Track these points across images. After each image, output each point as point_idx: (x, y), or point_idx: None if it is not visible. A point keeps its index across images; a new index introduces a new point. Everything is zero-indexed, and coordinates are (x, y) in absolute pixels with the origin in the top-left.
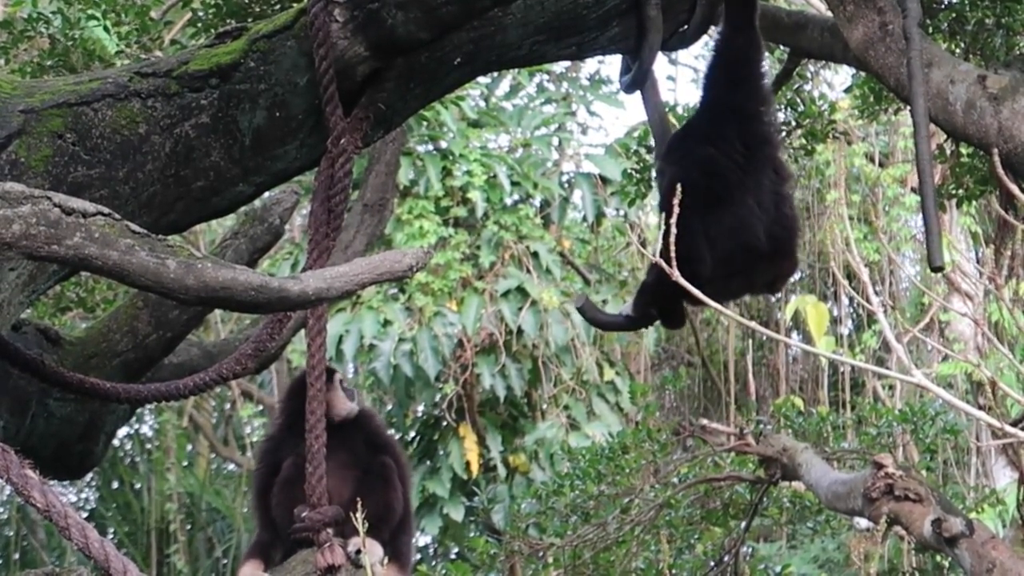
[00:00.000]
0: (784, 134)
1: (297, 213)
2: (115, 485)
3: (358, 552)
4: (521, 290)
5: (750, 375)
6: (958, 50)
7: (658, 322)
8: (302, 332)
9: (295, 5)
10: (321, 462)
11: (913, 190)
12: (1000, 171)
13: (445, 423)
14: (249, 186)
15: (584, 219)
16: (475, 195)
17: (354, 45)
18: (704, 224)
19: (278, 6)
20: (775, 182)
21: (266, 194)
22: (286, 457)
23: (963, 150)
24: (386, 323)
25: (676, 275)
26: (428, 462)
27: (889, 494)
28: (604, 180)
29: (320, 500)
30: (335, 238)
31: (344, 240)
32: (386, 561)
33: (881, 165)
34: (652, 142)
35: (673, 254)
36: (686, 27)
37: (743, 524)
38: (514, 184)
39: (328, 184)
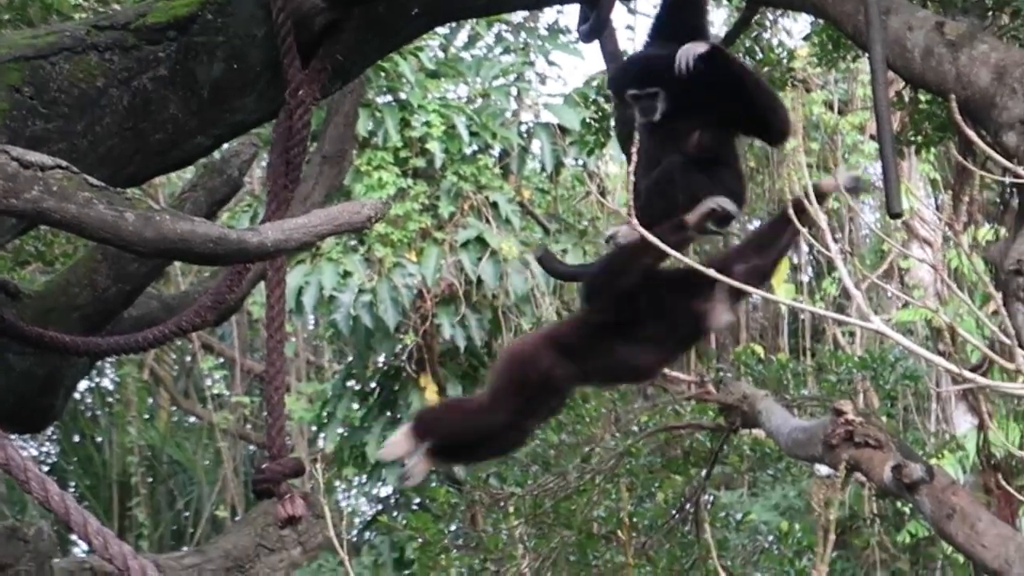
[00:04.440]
0: None
1: (256, 165)
2: (76, 439)
3: None
4: (480, 240)
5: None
6: None
7: None
8: (262, 284)
9: None
10: (281, 413)
11: (872, 137)
12: (958, 117)
13: (406, 374)
14: (207, 138)
15: (543, 169)
16: (434, 146)
17: None
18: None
19: None
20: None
21: (224, 146)
22: None
23: (921, 97)
24: (346, 274)
25: (633, 222)
26: (389, 413)
27: (849, 441)
28: (563, 130)
29: (280, 452)
30: (293, 190)
31: (303, 192)
32: None
33: (840, 113)
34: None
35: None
36: None
37: (704, 472)
38: (473, 134)
39: (286, 136)
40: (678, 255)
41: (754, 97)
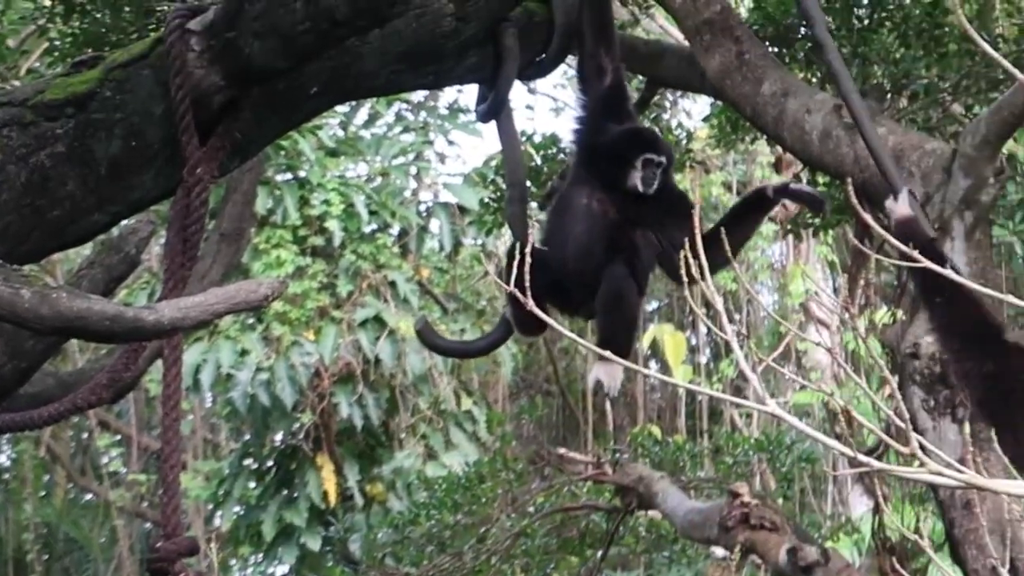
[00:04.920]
0: None
1: (154, 242)
2: None
3: None
4: (379, 319)
5: (608, 404)
6: (815, 79)
7: (511, 348)
8: (159, 361)
9: (152, 34)
10: (177, 491)
11: (771, 219)
12: (855, 200)
13: (303, 453)
14: (105, 215)
15: (442, 248)
16: (333, 224)
17: (211, 74)
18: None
19: (135, 35)
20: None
21: (123, 223)
22: None
23: (819, 179)
24: (243, 352)
25: (530, 304)
26: (285, 492)
27: (745, 523)
28: (462, 209)
29: (175, 530)
30: (191, 267)
31: (201, 269)
32: None
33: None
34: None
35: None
36: (543, 56)
37: (600, 553)
38: (372, 213)
39: (184, 213)
40: (567, 332)
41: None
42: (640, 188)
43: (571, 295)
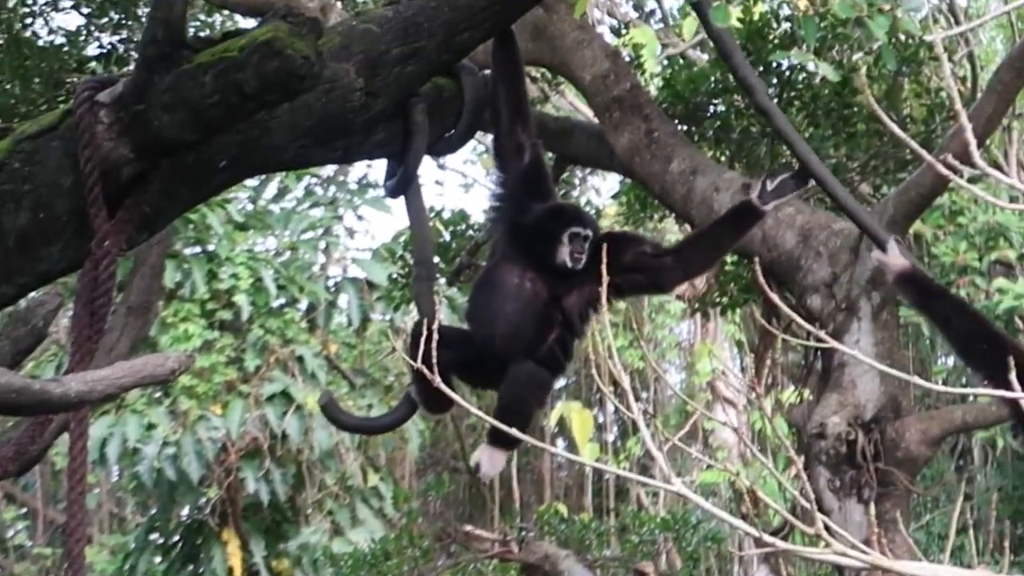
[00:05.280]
0: None
1: (61, 315)
2: None
3: None
4: (286, 394)
5: (515, 481)
6: (723, 157)
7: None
8: (66, 434)
9: (61, 106)
10: (82, 566)
11: (679, 297)
12: (762, 280)
13: (209, 528)
14: (12, 287)
15: (350, 323)
16: (241, 298)
17: (119, 147)
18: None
19: (44, 106)
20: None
21: (30, 295)
22: None
23: (727, 258)
24: (150, 426)
25: (437, 381)
26: (191, 567)
27: None
28: (370, 285)
29: None
30: (98, 340)
31: (108, 342)
32: None
33: None
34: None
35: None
36: (452, 132)
37: None
38: (280, 288)
39: (91, 286)
40: (473, 409)
41: None
42: (568, 264)
43: (483, 371)
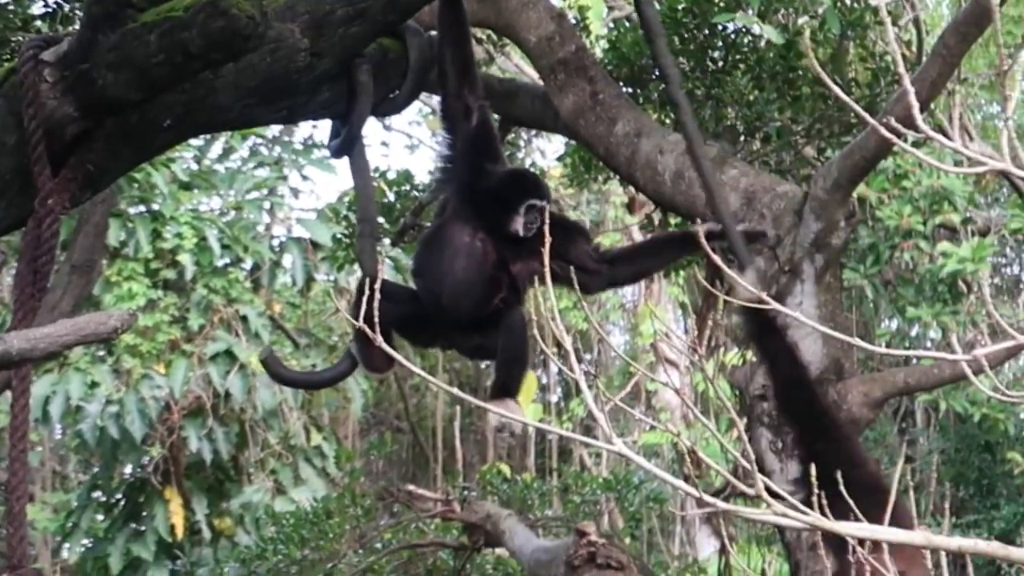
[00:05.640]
0: None
1: (4, 272)
2: None
3: None
4: (229, 353)
5: (457, 441)
6: (668, 120)
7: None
8: (7, 392)
9: (5, 64)
10: (23, 523)
11: None
12: (704, 242)
13: (151, 486)
14: None
15: (294, 283)
16: (185, 257)
17: (63, 105)
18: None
19: None
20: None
21: None
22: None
23: (671, 220)
24: (93, 385)
25: (379, 340)
26: (133, 525)
27: (591, 562)
28: (315, 244)
29: (21, 562)
30: (41, 298)
31: (51, 301)
32: None
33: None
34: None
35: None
36: (397, 93)
37: None
38: (224, 247)
39: (35, 244)
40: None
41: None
42: (521, 233)
43: (426, 329)
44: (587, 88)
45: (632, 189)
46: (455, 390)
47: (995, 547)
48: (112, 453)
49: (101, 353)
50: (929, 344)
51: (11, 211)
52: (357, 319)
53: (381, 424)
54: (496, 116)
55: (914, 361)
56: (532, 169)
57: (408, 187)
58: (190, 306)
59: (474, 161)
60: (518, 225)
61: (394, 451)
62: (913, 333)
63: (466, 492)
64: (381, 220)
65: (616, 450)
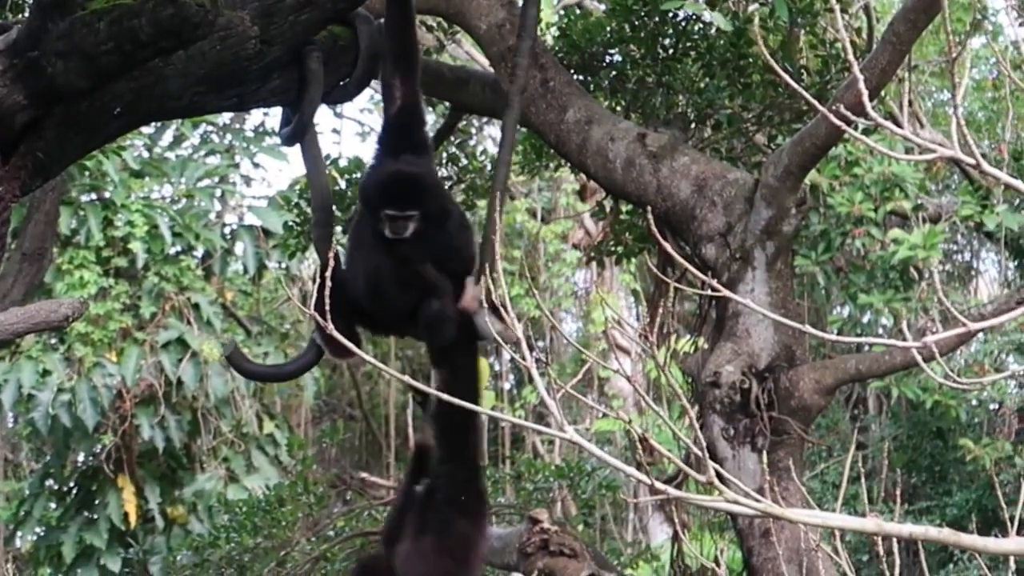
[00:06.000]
0: (447, 187)
1: None
2: None
3: None
4: (181, 341)
5: (411, 429)
6: (619, 108)
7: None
8: None
9: None
10: None
11: (575, 246)
12: (655, 229)
13: (104, 474)
14: None
15: (246, 271)
16: (136, 245)
17: (13, 93)
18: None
19: None
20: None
21: None
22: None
23: (622, 207)
24: (45, 373)
25: (331, 328)
26: (86, 513)
27: (544, 549)
28: (266, 232)
29: None
30: None
31: (2, 289)
32: None
33: (543, 221)
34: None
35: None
36: (348, 80)
37: None
38: (176, 235)
39: None
40: (369, 358)
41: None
42: (389, 236)
43: (380, 318)
44: (538, 75)
45: (584, 176)
46: (407, 378)
47: (947, 534)
48: (64, 441)
49: (53, 341)
50: (881, 331)
51: None
52: (315, 308)
53: (334, 412)
54: (447, 103)
55: (866, 348)
56: (482, 157)
57: (359, 174)
58: (142, 294)
59: (383, 150)
60: (385, 229)
61: (347, 439)
62: (865, 320)
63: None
64: (334, 208)
65: (568, 438)
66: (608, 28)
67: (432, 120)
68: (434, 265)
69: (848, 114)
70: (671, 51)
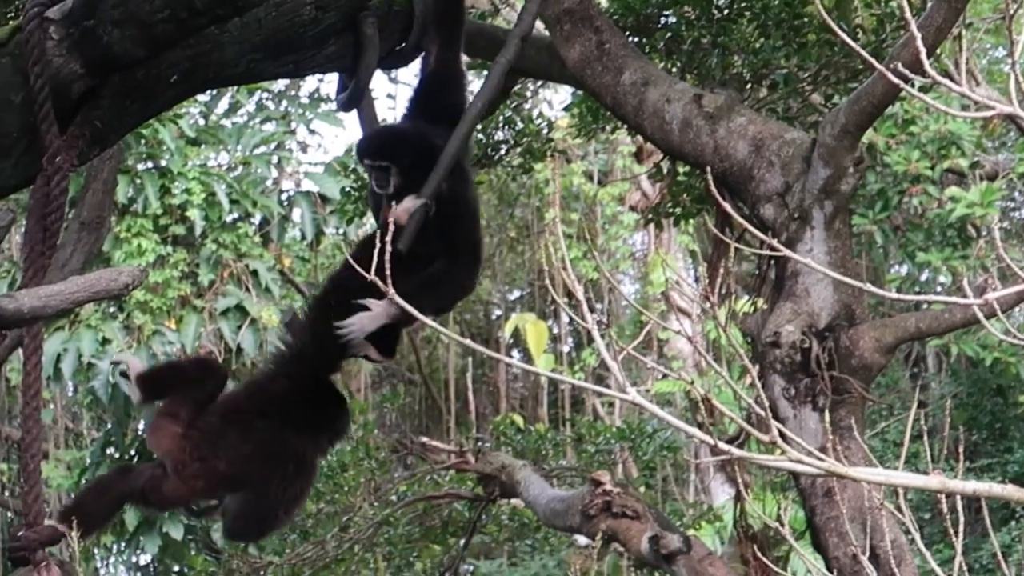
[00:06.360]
0: (503, 152)
1: (14, 231)
2: None
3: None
4: (240, 308)
5: (470, 393)
6: (675, 69)
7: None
8: (20, 350)
9: (11, 22)
10: (37, 480)
11: (632, 208)
12: (714, 190)
13: None
14: None
15: (303, 237)
16: (194, 213)
17: (69, 62)
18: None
19: None
20: None
21: None
22: None
23: (680, 168)
24: (105, 341)
25: (391, 292)
26: None
27: (607, 511)
28: (323, 198)
29: (36, 519)
30: (51, 256)
31: (61, 258)
32: None
33: (600, 183)
34: None
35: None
36: (403, 46)
37: (462, 541)
38: (233, 202)
39: (44, 202)
40: (431, 323)
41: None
42: (377, 189)
43: None
44: (593, 38)
45: (640, 138)
46: (467, 341)
47: (1010, 490)
48: (125, 410)
49: (112, 310)
50: (939, 289)
51: (19, 170)
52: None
53: (393, 376)
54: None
55: (925, 306)
56: (539, 120)
57: None
58: (200, 261)
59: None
60: (372, 183)
61: (407, 403)
62: (923, 278)
63: (480, 443)
64: None
65: (630, 399)
66: None
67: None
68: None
69: (905, 72)
70: (726, 11)
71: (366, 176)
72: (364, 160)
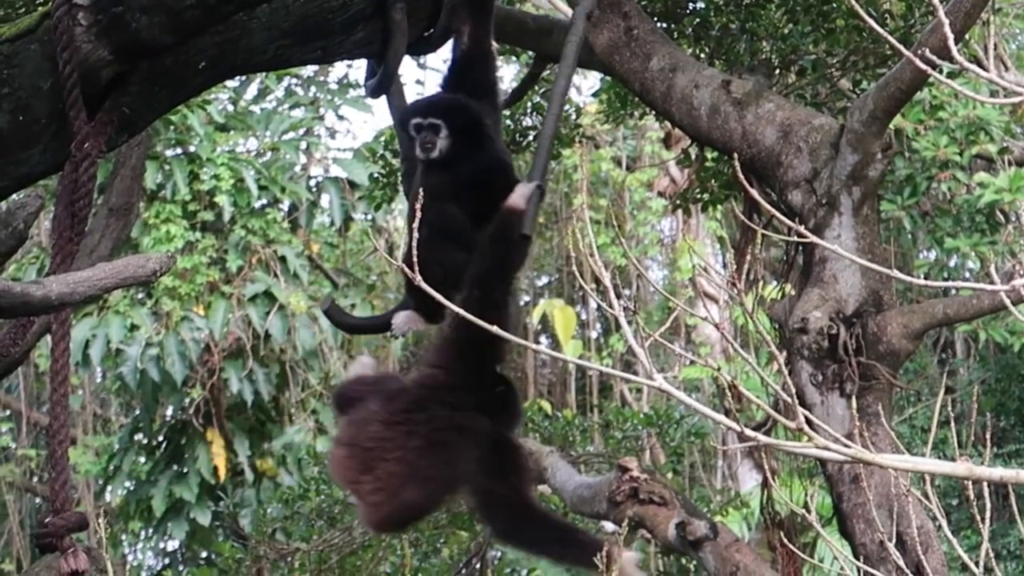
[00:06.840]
0: (531, 138)
1: (43, 217)
2: None
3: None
4: (269, 294)
5: None
6: (703, 55)
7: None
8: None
9: (40, 8)
10: (65, 466)
11: (660, 194)
12: (742, 176)
13: (193, 428)
14: None
15: (332, 223)
16: (222, 199)
17: (98, 49)
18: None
19: (23, 9)
20: None
21: (11, 198)
22: None
23: (708, 154)
24: (133, 327)
25: (419, 280)
26: (175, 467)
27: (634, 497)
28: (352, 184)
29: (64, 505)
30: (79, 242)
31: (89, 244)
32: None
33: (628, 169)
34: (398, 146)
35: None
36: (432, 31)
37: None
38: (262, 188)
39: (72, 188)
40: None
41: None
42: (420, 155)
43: None
44: (622, 24)
45: (669, 124)
46: (495, 328)
47: None
48: (153, 395)
49: (140, 296)
50: (968, 275)
51: (48, 156)
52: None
53: (421, 362)
54: (531, 53)
55: (953, 292)
56: (567, 106)
57: None
58: (228, 247)
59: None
60: (417, 148)
61: None
62: (951, 264)
63: None
64: None
65: (657, 385)
66: None
67: (516, 70)
68: (471, 191)
69: (933, 58)
70: None
71: (406, 146)
72: (415, 119)
